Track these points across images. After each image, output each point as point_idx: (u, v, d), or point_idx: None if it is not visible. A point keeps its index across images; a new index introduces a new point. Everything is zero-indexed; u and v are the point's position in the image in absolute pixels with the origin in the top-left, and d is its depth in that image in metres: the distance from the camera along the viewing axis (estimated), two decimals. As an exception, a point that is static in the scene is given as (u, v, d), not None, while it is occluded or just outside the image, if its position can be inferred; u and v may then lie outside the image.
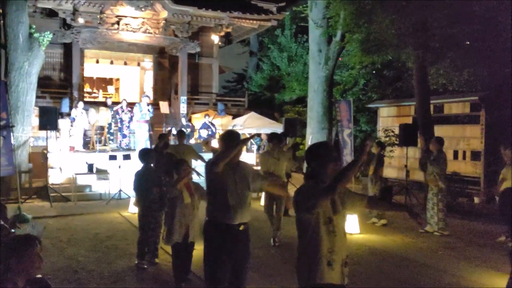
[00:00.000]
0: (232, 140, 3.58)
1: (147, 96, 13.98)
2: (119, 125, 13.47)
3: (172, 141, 12.55)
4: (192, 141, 14.12)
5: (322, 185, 2.72)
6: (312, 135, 13.79)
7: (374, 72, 16.52)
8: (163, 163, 6.80)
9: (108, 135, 13.41)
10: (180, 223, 4.74)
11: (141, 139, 12.94)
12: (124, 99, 13.99)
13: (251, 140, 15.52)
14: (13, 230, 3.10)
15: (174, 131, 14.17)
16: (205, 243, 3.60)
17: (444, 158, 7.65)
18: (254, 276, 4.98)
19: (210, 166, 3.54)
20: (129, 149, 12.79)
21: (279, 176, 6.45)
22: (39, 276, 2.35)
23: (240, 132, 15.36)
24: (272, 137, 6.93)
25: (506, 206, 7.18)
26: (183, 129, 13.64)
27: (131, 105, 13.86)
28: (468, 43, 9.69)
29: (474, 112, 12.01)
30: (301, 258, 2.82)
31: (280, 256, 6.21)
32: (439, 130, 11.82)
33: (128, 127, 13.31)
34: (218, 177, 3.49)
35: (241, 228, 3.54)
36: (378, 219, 8.33)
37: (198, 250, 5.26)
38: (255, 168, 4.87)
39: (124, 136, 13.33)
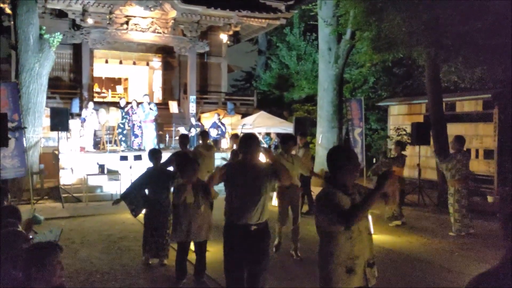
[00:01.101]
0: (252, 144, 3.71)
1: (146, 95, 14.00)
2: (130, 125, 13.47)
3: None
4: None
5: (340, 194, 2.72)
6: (322, 134, 13.71)
7: (383, 70, 16.38)
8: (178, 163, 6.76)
9: (120, 136, 13.43)
10: (183, 223, 4.75)
11: (149, 139, 12.96)
12: (134, 100, 14.00)
13: (261, 139, 15.47)
14: (30, 237, 3.06)
15: (183, 131, 14.19)
16: (223, 243, 3.73)
17: (459, 159, 7.53)
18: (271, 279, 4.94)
19: (226, 167, 3.81)
20: (140, 149, 12.81)
21: (294, 180, 6.09)
22: (62, 280, 2.32)
23: (249, 131, 15.41)
24: (285, 139, 6.38)
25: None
26: (192, 129, 13.68)
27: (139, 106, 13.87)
28: (481, 40, 9.56)
29: (487, 110, 11.86)
30: (320, 266, 2.82)
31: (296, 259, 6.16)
32: (452, 128, 11.68)
33: (140, 127, 13.33)
34: (228, 181, 3.70)
35: (253, 228, 3.59)
36: (395, 219, 8.14)
37: (211, 252, 5.27)
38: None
39: (136, 136, 13.35)
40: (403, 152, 8.73)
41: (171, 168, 6.49)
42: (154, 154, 5.89)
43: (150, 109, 13.01)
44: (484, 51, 9.55)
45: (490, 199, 10.82)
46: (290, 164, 6.00)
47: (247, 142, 3.73)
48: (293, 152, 6.77)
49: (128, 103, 14.11)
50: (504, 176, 10.73)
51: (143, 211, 5.81)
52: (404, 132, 12.69)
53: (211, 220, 4.96)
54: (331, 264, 2.73)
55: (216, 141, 13.83)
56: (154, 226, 5.63)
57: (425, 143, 10.81)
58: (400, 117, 14.69)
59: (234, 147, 9.32)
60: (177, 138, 12.78)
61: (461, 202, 7.45)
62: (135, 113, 13.37)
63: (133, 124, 13.38)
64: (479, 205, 10.28)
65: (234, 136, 9.70)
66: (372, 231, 3.40)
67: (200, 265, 5.01)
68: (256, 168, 3.69)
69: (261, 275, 3.64)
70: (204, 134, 8.56)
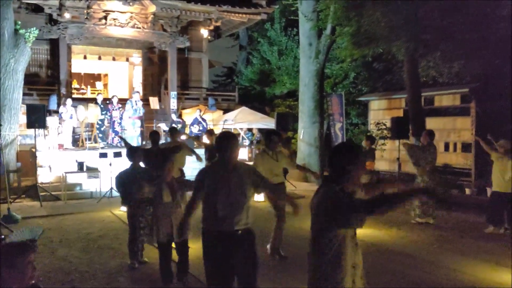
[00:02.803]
0: (230, 144, 3.43)
1: (137, 92, 13.84)
2: (110, 122, 13.28)
3: (163, 138, 12.45)
4: (183, 137, 13.98)
5: (350, 194, 2.52)
6: (304, 129, 13.76)
7: (364, 65, 16.50)
8: (153, 160, 6.65)
9: (98, 132, 13.23)
10: (162, 223, 4.64)
11: (133, 135, 12.80)
12: (115, 95, 13.79)
13: (243, 135, 15.44)
14: (2, 236, 2.98)
15: (164, 127, 14.07)
16: (202, 250, 3.49)
17: (431, 152, 7.79)
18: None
19: (200, 175, 3.50)
20: (121, 146, 12.64)
21: (279, 176, 5.85)
22: (33, 282, 2.27)
23: (231, 127, 15.35)
24: (269, 135, 6.03)
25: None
26: (173, 125, 13.56)
27: (122, 101, 13.68)
28: (459, 35, 9.70)
29: (464, 104, 12.07)
30: (320, 277, 2.56)
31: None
32: (430, 122, 11.86)
33: (120, 123, 13.14)
34: (208, 187, 3.40)
35: (240, 233, 3.38)
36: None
37: (193, 248, 5.22)
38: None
39: (116, 133, 13.17)
40: (373, 146, 8.89)
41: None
42: (133, 153, 5.71)
43: (137, 108, 12.91)
44: (462, 46, 9.70)
45: (467, 191, 11.02)
46: (274, 161, 5.76)
47: (224, 142, 3.44)
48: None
49: (106, 99, 13.90)
50: (481, 169, 10.94)
51: (129, 211, 5.60)
52: (384, 127, 12.81)
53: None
54: (339, 274, 2.50)
55: (198, 137, 13.74)
56: (142, 225, 5.47)
57: (404, 137, 10.89)
58: (380, 111, 14.83)
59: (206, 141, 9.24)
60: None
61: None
62: (116, 109, 13.19)
63: (113, 121, 13.19)
64: (456, 198, 10.47)
65: (209, 133, 9.54)
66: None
67: (183, 264, 4.93)
68: (238, 169, 3.44)
69: (255, 280, 3.47)
70: (173, 131, 8.29)
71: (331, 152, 2.72)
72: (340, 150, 2.70)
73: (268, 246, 5.95)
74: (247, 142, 14.81)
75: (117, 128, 13.21)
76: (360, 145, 9.78)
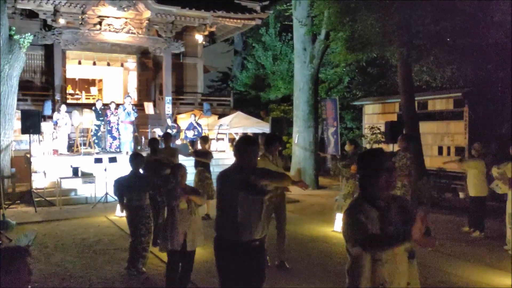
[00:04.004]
0: (249, 149, 3.29)
1: (129, 96, 13.83)
2: (108, 127, 13.27)
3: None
4: (178, 142, 14.01)
5: (367, 207, 2.40)
6: (299, 134, 13.81)
7: (358, 69, 16.62)
8: (152, 169, 6.65)
9: (94, 138, 13.22)
10: (177, 231, 4.47)
11: (126, 140, 12.80)
12: (113, 101, 13.81)
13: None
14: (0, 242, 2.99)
15: (159, 132, 14.07)
16: (216, 260, 3.35)
17: (409, 157, 7.88)
18: None
19: (219, 181, 3.34)
20: (118, 152, 12.64)
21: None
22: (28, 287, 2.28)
23: (226, 131, 15.36)
24: (270, 139, 5.78)
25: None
26: (169, 130, 13.57)
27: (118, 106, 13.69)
28: (452, 40, 9.80)
29: (457, 108, 12.17)
30: None
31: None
32: (424, 127, 11.95)
33: (118, 129, 13.14)
34: (225, 193, 3.28)
35: (254, 244, 3.22)
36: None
37: (198, 254, 5.10)
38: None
39: (114, 138, 13.16)
40: (357, 151, 8.95)
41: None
42: (136, 159, 5.61)
43: (132, 109, 12.88)
44: (454, 51, 9.81)
45: (461, 195, 11.09)
46: (275, 166, 5.47)
47: (243, 147, 3.30)
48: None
49: (105, 104, 13.90)
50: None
51: (129, 218, 5.51)
52: (378, 131, 12.89)
53: (201, 227, 4.74)
54: None
55: (193, 142, 13.76)
56: (142, 233, 5.39)
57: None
58: (374, 116, 14.92)
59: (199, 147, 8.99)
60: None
61: (406, 196, 7.85)
62: (114, 115, 13.17)
63: (112, 127, 13.19)
64: (450, 201, 10.54)
65: (203, 139, 9.11)
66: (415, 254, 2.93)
67: (186, 272, 4.68)
68: (254, 172, 3.29)
69: None
70: (166, 136, 8.12)
71: (358, 159, 2.62)
72: (364, 157, 2.58)
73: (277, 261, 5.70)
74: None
75: (115, 134, 13.20)
76: (386, 152, 9.80)
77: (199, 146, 10.04)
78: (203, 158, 8.54)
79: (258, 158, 5.02)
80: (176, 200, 4.48)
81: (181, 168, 4.67)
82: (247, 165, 3.25)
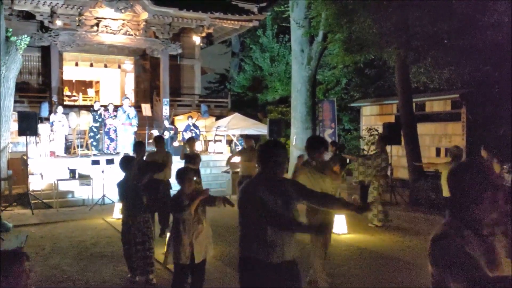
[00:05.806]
0: (278, 154, 2.90)
1: (127, 98, 13.80)
2: (105, 129, 13.22)
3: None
4: (175, 143, 13.98)
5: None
6: (297, 135, 13.80)
7: (356, 71, 16.63)
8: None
9: (91, 140, 13.17)
10: (183, 242, 4.04)
11: (127, 142, 12.74)
12: (111, 103, 13.78)
13: (236, 141, 15.45)
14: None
15: (157, 134, 14.03)
16: (240, 284, 2.95)
17: (384, 158, 8.10)
18: None
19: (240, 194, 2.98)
20: (116, 153, 12.59)
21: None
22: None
23: (224, 133, 15.31)
24: (313, 144, 4.64)
25: None
26: (166, 132, 13.54)
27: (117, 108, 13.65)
28: (449, 41, 9.82)
29: (455, 110, 12.19)
30: None
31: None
32: (421, 128, 11.96)
33: (115, 130, 13.09)
34: (255, 204, 2.77)
35: (286, 267, 2.82)
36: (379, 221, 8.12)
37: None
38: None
39: (111, 140, 13.12)
40: (337, 152, 9.00)
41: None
42: (126, 162, 5.19)
43: (134, 114, 12.89)
44: (452, 52, 9.82)
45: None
46: (320, 178, 4.53)
47: (268, 153, 2.90)
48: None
49: (103, 106, 13.86)
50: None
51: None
52: (376, 132, 12.89)
53: (210, 236, 4.37)
54: None
55: (190, 144, 13.71)
56: (138, 240, 5.02)
57: (396, 143, 11.02)
58: (372, 117, 14.93)
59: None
60: (150, 141, 12.61)
61: (383, 196, 8.31)
62: (112, 116, 13.13)
63: (109, 128, 13.14)
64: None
65: (190, 140, 8.55)
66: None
67: (198, 284, 4.29)
68: (285, 185, 2.90)
69: None
70: (158, 139, 7.82)
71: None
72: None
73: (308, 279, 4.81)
74: (239, 148, 14.80)
75: (113, 135, 13.16)
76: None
77: (198, 147, 9.93)
78: (191, 163, 8.04)
79: (300, 167, 4.36)
80: (181, 213, 4.05)
81: (187, 172, 4.22)
82: (273, 175, 2.86)
